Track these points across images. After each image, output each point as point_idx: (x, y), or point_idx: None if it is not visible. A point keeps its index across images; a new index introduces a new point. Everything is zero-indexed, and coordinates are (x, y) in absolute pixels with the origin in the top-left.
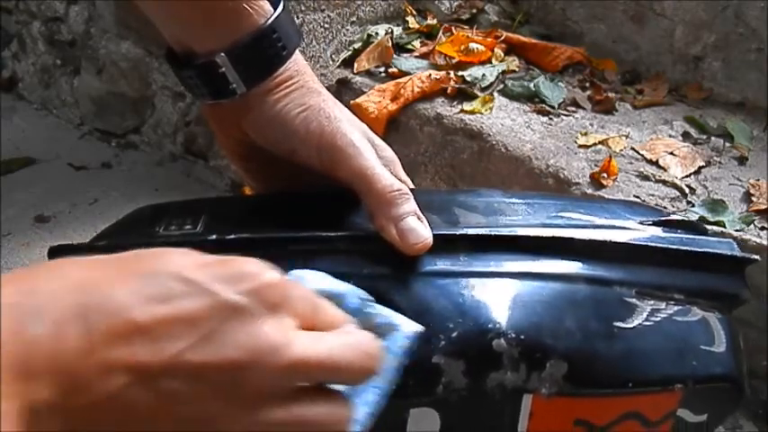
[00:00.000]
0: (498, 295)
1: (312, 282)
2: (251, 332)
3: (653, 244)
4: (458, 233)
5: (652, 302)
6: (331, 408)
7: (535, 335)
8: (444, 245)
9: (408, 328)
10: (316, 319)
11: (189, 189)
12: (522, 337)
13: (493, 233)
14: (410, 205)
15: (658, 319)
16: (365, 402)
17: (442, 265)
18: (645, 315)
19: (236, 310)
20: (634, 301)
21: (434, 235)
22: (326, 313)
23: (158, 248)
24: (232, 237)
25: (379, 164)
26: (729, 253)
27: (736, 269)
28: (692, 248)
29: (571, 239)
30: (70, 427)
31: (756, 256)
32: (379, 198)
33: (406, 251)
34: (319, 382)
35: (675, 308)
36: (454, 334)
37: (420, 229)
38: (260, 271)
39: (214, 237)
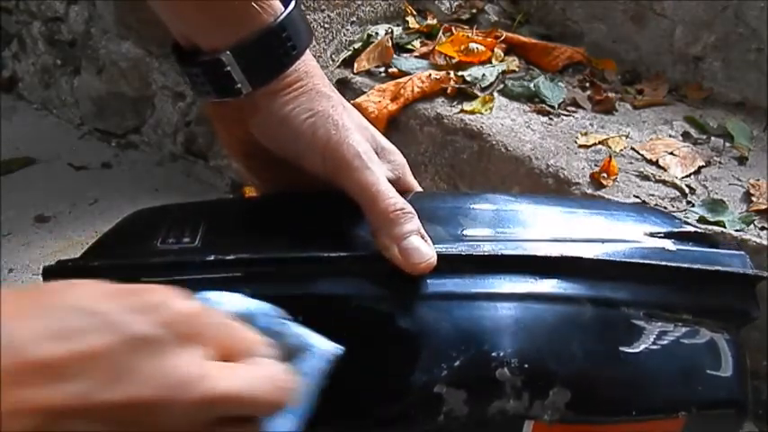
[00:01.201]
0: (502, 319)
1: (225, 303)
2: (162, 366)
3: (663, 263)
4: (462, 253)
5: (660, 324)
6: None
7: (539, 362)
8: (448, 265)
9: (324, 349)
10: (231, 345)
11: (189, 189)
12: (526, 365)
13: (499, 253)
14: (413, 224)
15: (665, 342)
16: (281, 427)
17: (445, 286)
18: (652, 338)
19: (145, 344)
20: (641, 323)
21: (438, 255)
22: (241, 338)
23: (67, 280)
24: (231, 258)
25: (385, 179)
26: (741, 270)
27: (746, 286)
28: (703, 266)
29: (578, 259)
30: None
31: (767, 273)
32: (382, 216)
33: (410, 271)
34: (230, 414)
35: (683, 329)
36: (457, 363)
37: (423, 249)
38: (171, 300)
39: (213, 257)
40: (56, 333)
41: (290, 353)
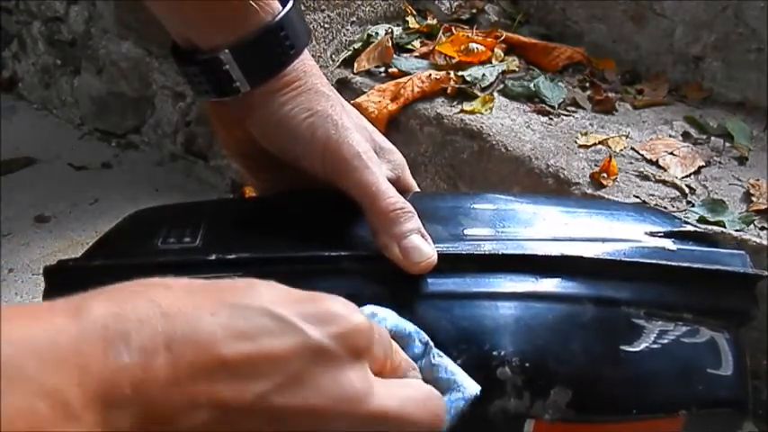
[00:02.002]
0: (503, 319)
1: (385, 320)
2: (335, 378)
3: (663, 262)
4: (463, 252)
5: (660, 323)
6: None
7: (540, 361)
8: (449, 264)
9: (470, 389)
10: (386, 363)
11: (189, 189)
12: (527, 364)
13: (500, 252)
14: (413, 223)
15: (666, 341)
16: None
17: (446, 285)
18: (652, 337)
19: (323, 354)
20: (642, 322)
21: (439, 254)
22: (396, 358)
23: (246, 279)
24: (232, 257)
25: (384, 179)
26: (741, 270)
27: (746, 285)
28: (703, 265)
29: (579, 258)
30: None
31: (767, 273)
32: (382, 216)
33: (410, 270)
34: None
35: (684, 328)
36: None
37: (424, 247)
38: (349, 313)
39: (214, 257)
40: (241, 332)
41: (437, 385)
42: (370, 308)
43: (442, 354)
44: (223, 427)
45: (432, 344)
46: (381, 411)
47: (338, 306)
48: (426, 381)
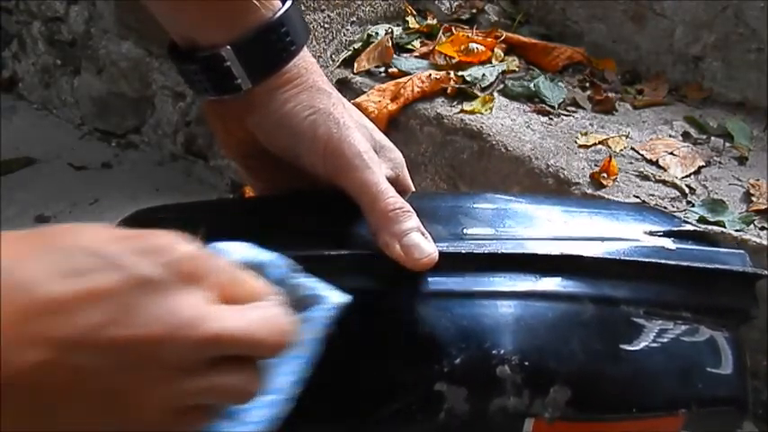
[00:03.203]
0: (502, 317)
1: (234, 253)
2: (166, 306)
3: (662, 261)
4: (463, 251)
5: (660, 322)
6: (243, 377)
7: (539, 359)
8: (449, 263)
9: (334, 299)
10: (234, 290)
11: (189, 189)
12: (527, 362)
13: (500, 251)
14: (413, 222)
15: (665, 340)
16: (287, 372)
17: (446, 284)
18: (652, 336)
19: (150, 284)
20: (641, 321)
21: (439, 253)
22: (246, 285)
23: (71, 224)
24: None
25: (384, 179)
26: (740, 269)
27: (746, 284)
28: (703, 264)
29: (579, 257)
30: None
31: (767, 272)
32: (382, 215)
33: (412, 267)
34: (232, 354)
35: (683, 327)
36: (457, 360)
37: (424, 245)
38: (175, 243)
39: None
40: (64, 272)
41: (301, 303)
42: (219, 244)
43: (300, 274)
44: (58, 365)
45: (291, 266)
46: (217, 334)
47: (164, 238)
48: (291, 302)
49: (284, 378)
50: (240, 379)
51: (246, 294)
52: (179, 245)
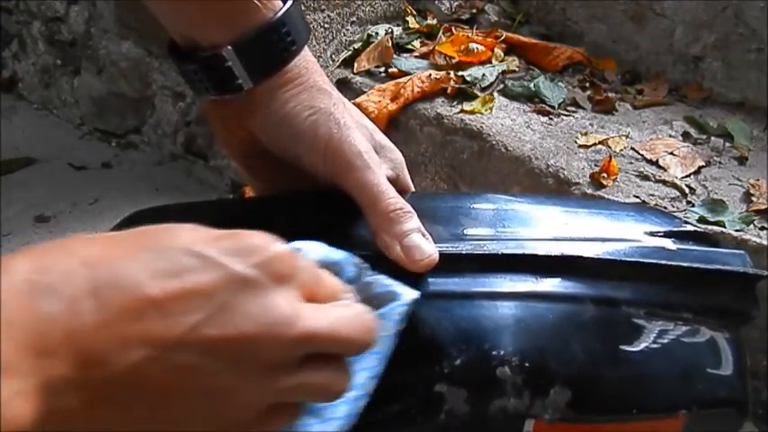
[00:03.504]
0: (503, 318)
1: (311, 252)
2: (261, 305)
3: (663, 262)
4: (463, 252)
5: (660, 323)
6: (332, 374)
7: (539, 360)
8: (449, 264)
9: (407, 296)
10: (317, 289)
11: (189, 189)
12: (527, 363)
13: (500, 252)
14: (413, 222)
15: (666, 341)
16: (365, 368)
17: (446, 285)
18: (652, 337)
19: (246, 283)
20: (642, 322)
21: (439, 254)
22: (326, 284)
23: (165, 224)
24: None
25: (385, 179)
26: (741, 270)
27: (746, 285)
28: (703, 265)
29: (579, 258)
30: (87, 402)
31: (767, 273)
32: (383, 216)
33: (412, 268)
34: (322, 351)
35: (684, 328)
36: (458, 362)
37: (425, 246)
38: (267, 243)
39: None
40: (163, 272)
41: (374, 301)
42: (296, 243)
43: (376, 272)
44: (159, 364)
45: (364, 264)
46: (310, 332)
47: (256, 239)
48: (365, 299)
49: (363, 374)
50: (329, 376)
51: (328, 293)
52: (271, 245)
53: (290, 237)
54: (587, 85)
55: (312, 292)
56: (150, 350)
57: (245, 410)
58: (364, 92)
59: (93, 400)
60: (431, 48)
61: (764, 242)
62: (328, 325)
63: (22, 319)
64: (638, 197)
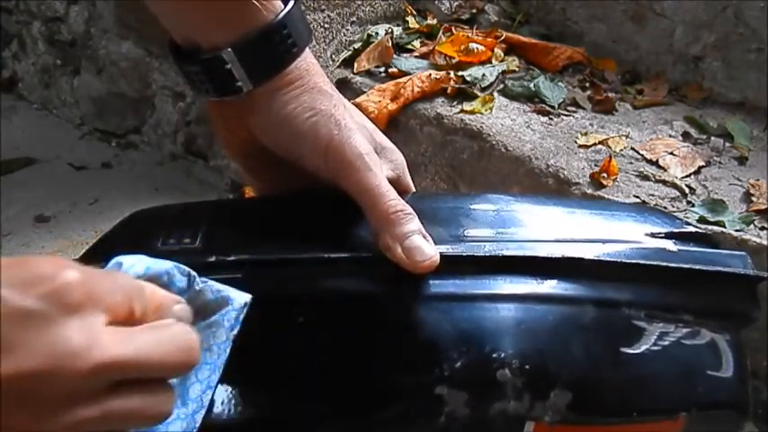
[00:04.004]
0: (503, 320)
1: (133, 266)
2: (49, 338)
3: (664, 263)
4: (464, 254)
5: (661, 325)
6: (149, 397)
7: (540, 363)
8: (450, 266)
9: (239, 300)
10: (135, 307)
11: (189, 189)
12: (527, 366)
13: (500, 254)
14: (414, 224)
15: (666, 343)
16: (199, 380)
17: (446, 287)
18: (653, 339)
19: (30, 317)
20: (642, 324)
21: (440, 255)
22: (151, 297)
23: None
24: (232, 258)
25: (386, 181)
26: (742, 271)
27: (747, 287)
28: (704, 267)
29: (579, 260)
30: None
31: (767, 274)
32: (383, 217)
33: (413, 269)
34: (133, 377)
35: (684, 330)
36: (458, 364)
37: (426, 247)
38: (56, 271)
39: (213, 258)
40: None
41: (206, 308)
42: (117, 259)
43: (206, 279)
44: None
45: (194, 273)
46: (109, 360)
47: (45, 266)
48: (197, 308)
49: (197, 387)
50: (146, 400)
51: (154, 307)
52: (63, 271)
53: (290, 236)
54: (587, 85)
55: (127, 311)
56: None
57: None
58: (364, 92)
59: None
60: (431, 48)
61: (764, 242)
62: (134, 350)
63: None
64: (638, 197)
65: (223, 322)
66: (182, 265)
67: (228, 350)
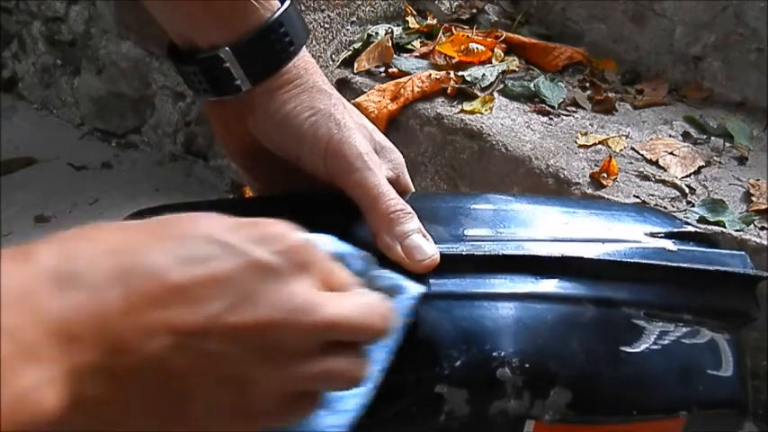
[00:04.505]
0: (503, 319)
1: (322, 244)
2: (284, 292)
3: (663, 263)
4: (463, 253)
5: (660, 324)
6: (352, 361)
7: (540, 361)
8: (450, 265)
9: (413, 289)
10: (331, 278)
11: (189, 189)
12: (527, 364)
13: (500, 253)
14: (414, 223)
15: (666, 342)
16: (375, 360)
17: (446, 286)
18: (653, 338)
19: (268, 271)
20: (642, 323)
21: (440, 254)
22: (338, 275)
23: (188, 213)
24: None
25: (385, 180)
26: (741, 271)
27: (747, 286)
28: (704, 266)
29: (579, 259)
30: (113, 389)
31: (767, 274)
32: (383, 217)
33: (414, 268)
34: (341, 339)
35: (684, 329)
36: (458, 363)
37: (426, 246)
38: (287, 232)
39: None
40: (185, 259)
41: (382, 293)
42: (306, 235)
43: (378, 265)
44: (182, 352)
45: (371, 257)
46: (330, 319)
47: (277, 227)
48: (373, 291)
49: (373, 367)
50: (349, 363)
51: (339, 284)
52: (291, 233)
53: None
54: (587, 85)
55: (327, 282)
56: (174, 338)
57: (268, 398)
58: (364, 92)
59: (118, 387)
60: (431, 48)
61: (764, 242)
62: (347, 312)
63: (49, 306)
64: (638, 197)
65: (399, 308)
66: (360, 250)
67: (400, 337)
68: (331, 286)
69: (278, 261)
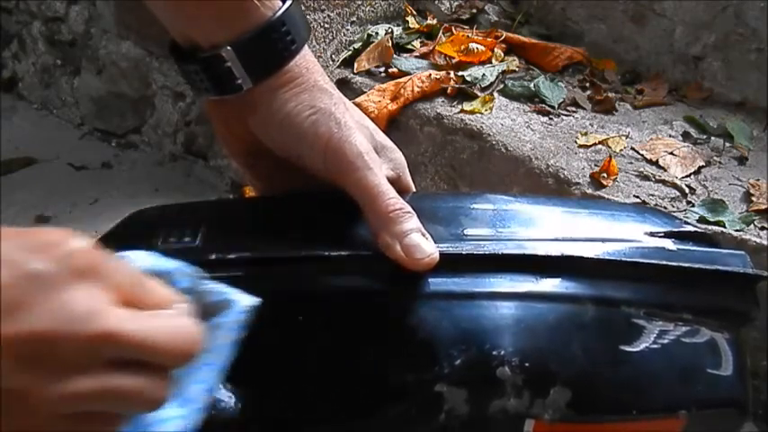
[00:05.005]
0: (503, 318)
1: (138, 261)
2: (57, 301)
3: (663, 262)
4: (463, 252)
5: (660, 323)
6: (147, 382)
7: (539, 360)
8: (449, 264)
9: (243, 302)
10: (137, 296)
11: (189, 189)
12: (527, 363)
13: (500, 252)
14: (413, 222)
15: (666, 341)
16: (199, 381)
17: (446, 285)
18: (652, 338)
19: (39, 279)
20: (642, 322)
21: (440, 253)
22: (151, 292)
23: None
24: (232, 256)
25: (385, 180)
26: (741, 270)
27: (747, 286)
28: (704, 266)
29: (579, 258)
30: None
31: (767, 273)
32: (383, 216)
33: (413, 267)
34: (134, 358)
35: (683, 329)
36: (458, 362)
37: (425, 245)
38: (65, 239)
39: (214, 257)
40: None
41: (210, 309)
42: (124, 252)
43: (207, 280)
44: None
45: (199, 274)
46: (110, 331)
47: (54, 235)
48: (201, 309)
49: (196, 387)
50: (141, 384)
51: (154, 302)
52: (72, 240)
53: (290, 235)
54: (587, 85)
55: (132, 297)
56: None
57: (46, 413)
58: (364, 92)
59: None
60: (431, 48)
61: (764, 242)
62: (135, 328)
63: None
64: (638, 197)
65: (225, 325)
66: (187, 266)
67: (230, 353)
68: (137, 304)
69: (54, 268)
